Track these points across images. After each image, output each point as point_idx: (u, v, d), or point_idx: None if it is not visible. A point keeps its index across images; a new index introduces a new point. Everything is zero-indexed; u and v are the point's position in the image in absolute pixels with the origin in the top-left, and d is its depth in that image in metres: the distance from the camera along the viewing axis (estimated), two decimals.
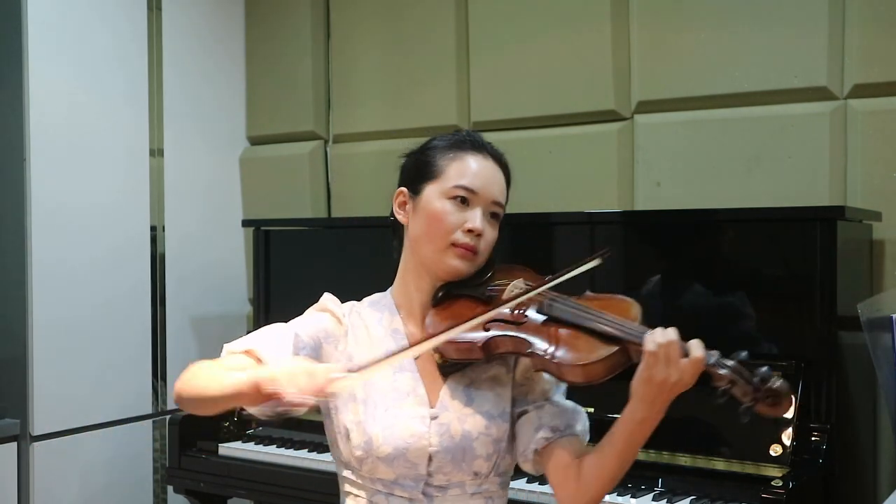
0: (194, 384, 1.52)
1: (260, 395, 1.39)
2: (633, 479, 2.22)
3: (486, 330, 1.57)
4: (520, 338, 1.55)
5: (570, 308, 1.56)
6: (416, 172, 1.67)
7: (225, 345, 1.63)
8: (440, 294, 1.65)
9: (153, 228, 3.34)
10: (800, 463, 2.13)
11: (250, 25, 3.69)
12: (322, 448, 2.64)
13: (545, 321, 1.57)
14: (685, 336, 1.45)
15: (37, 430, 2.96)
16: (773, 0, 2.67)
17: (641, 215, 2.75)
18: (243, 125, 3.71)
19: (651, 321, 1.51)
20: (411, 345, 1.57)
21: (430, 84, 3.26)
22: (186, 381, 1.54)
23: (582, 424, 1.62)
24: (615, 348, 1.48)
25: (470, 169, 1.64)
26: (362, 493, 1.60)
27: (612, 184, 2.90)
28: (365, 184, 3.35)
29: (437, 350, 1.60)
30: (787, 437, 2.15)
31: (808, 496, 2.07)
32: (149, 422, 3.31)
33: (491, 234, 1.65)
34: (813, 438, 2.17)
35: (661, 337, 1.42)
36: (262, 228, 3.19)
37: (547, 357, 1.51)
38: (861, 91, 2.57)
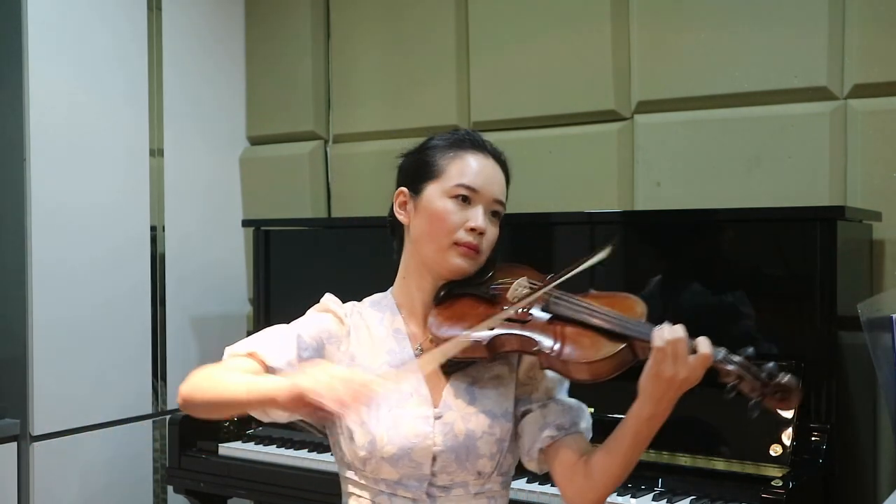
0: (208, 388, 1.51)
1: (300, 403, 1.39)
2: (633, 479, 2.22)
3: (491, 329, 1.57)
4: (526, 336, 1.55)
5: (575, 306, 1.56)
6: (416, 172, 1.67)
7: (227, 347, 1.62)
8: (442, 293, 1.65)
9: (153, 228, 3.34)
10: (800, 463, 2.13)
11: (250, 25, 3.69)
12: (322, 448, 2.64)
13: (550, 319, 1.56)
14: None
15: (37, 430, 2.96)
16: (773, 0, 2.67)
17: (641, 215, 2.76)
18: (243, 125, 3.71)
19: (652, 321, 1.50)
20: (440, 342, 1.57)
21: (430, 84, 3.26)
22: (197, 385, 1.53)
23: (586, 422, 1.63)
24: (622, 345, 1.48)
25: (471, 167, 1.64)
26: (365, 494, 1.60)
27: (612, 184, 2.90)
28: (365, 184, 3.36)
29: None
30: (787, 437, 2.15)
31: (808, 496, 2.07)
32: (149, 422, 3.31)
33: (492, 232, 1.65)
34: (813, 438, 2.17)
35: (670, 334, 1.42)
36: (262, 228, 3.19)
37: (553, 355, 1.51)
38: (861, 91, 2.57)
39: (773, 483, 2.01)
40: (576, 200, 2.90)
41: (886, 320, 2.04)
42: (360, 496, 1.61)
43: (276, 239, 3.17)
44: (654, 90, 2.86)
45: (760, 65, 2.68)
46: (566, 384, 1.65)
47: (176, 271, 3.40)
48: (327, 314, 1.67)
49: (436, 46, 3.25)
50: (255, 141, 3.71)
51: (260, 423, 2.86)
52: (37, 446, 2.96)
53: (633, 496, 2.18)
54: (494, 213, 1.65)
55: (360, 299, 1.73)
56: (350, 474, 1.62)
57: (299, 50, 3.54)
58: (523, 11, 3.07)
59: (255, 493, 2.82)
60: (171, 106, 3.40)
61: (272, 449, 2.76)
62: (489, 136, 1.74)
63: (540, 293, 1.57)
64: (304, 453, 2.68)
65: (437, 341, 1.60)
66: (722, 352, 1.43)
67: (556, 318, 1.56)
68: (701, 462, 2.23)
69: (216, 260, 3.57)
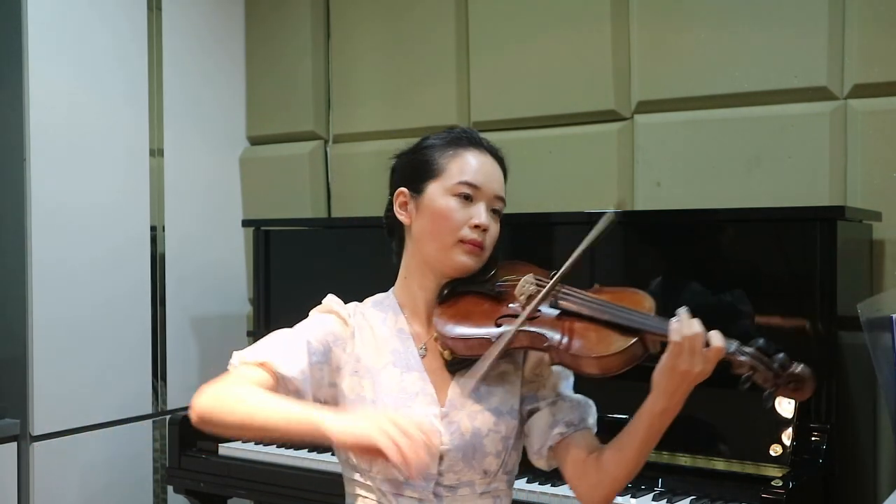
0: (232, 409, 1.48)
1: (366, 451, 1.39)
2: (633, 479, 2.18)
3: (498, 326, 1.57)
4: (535, 332, 1.54)
5: (583, 301, 1.56)
6: (416, 172, 1.67)
7: (235, 352, 1.60)
8: (445, 292, 1.65)
9: (153, 228, 3.34)
10: (800, 463, 2.13)
11: (250, 25, 3.69)
12: (322, 448, 2.64)
13: (559, 315, 1.56)
14: None
15: (37, 430, 2.96)
16: (773, 0, 2.67)
17: (641, 215, 2.75)
18: (243, 125, 3.71)
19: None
20: (446, 341, 1.58)
21: (430, 84, 3.26)
22: (216, 404, 1.50)
23: (593, 417, 1.64)
24: (633, 340, 1.48)
25: (471, 165, 1.64)
26: (372, 496, 1.60)
27: (612, 184, 2.90)
28: (365, 184, 3.35)
29: (446, 347, 1.60)
30: (787, 437, 2.15)
31: (808, 496, 2.07)
32: (149, 422, 3.31)
33: (495, 228, 1.65)
34: (813, 438, 2.17)
35: (688, 329, 1.43)
36: (262, 228, 3.19)
37: (564, 350, 1.51)
38: (861, 91, 2.57)
39: (773, 483, 2.01)
40: (576, 200, 2.90)
41: (886, 320, 2.04)
42: (366, 497, 1.61)
43: (276, 239, 3.17)
44: (654, 90, 2.86)
45: (760, 65, 2.68)
46: (571, 379, 1.66)
47: (176, 271, 3.40)
48: (331, 315, 1.67)
49: (436, 46, 3.25)
50: (255, 141, 3.71)
51: None
52: (37, 446, 2.96)
53: (633, 496, 2.18)
54: (495, 210, 1.66)
55: (360, 299, 1.73)
56: (356, 476, 1.62)
57: (299, 50, 3.54)
58: (523, 11, 3.07)
59: (255, 493, 2.81)
60: (171, 106, 3.40)
61: (272, 449, 2.76)
62: (489, 136, 1.74)
63: (551, 288, 1.57)
64: (304, 453, 2.68)
65: (442, 340, 1.60)
66: (734, 344, 1.45)
67: (565, 314, 1.56)
68: (701, 462, 2.24)
69: (216, 260, 3.57)
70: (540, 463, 1.63)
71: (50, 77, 2.99)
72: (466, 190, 1.62)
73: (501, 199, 1.67)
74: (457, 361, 1.61)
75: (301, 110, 3.55)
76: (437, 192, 1.63)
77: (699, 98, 2.78)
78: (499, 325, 1.57)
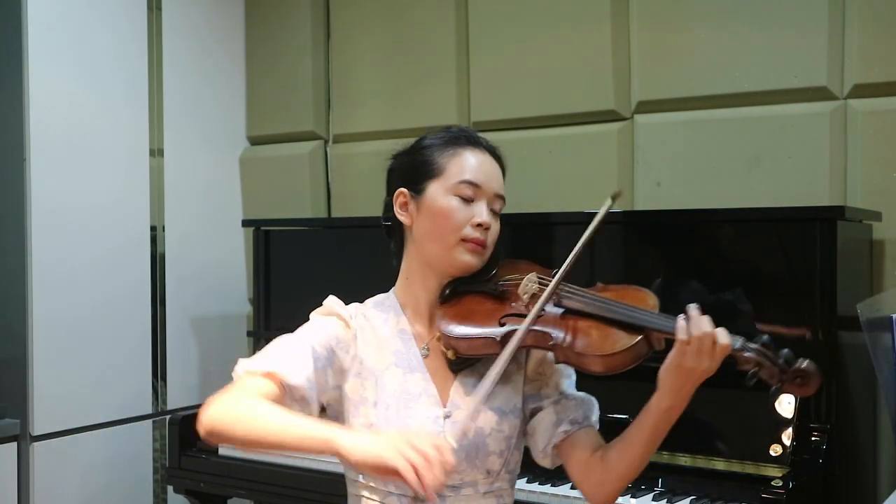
0: (242, 424, 1.47)
1: (381, 472, 1.37)
2: (634, 479, 2.22)
3: (502, 325, 1.57)
4: (540, 331, 1.54)
5: (587, 299, 1.56)
6: (415, 172, 1.67)
7: (240, 360, 1.59)
8: (447, 291, 1.65)
9: (153, 228, 3.34)
10: (800, 463, 2.13)
11: (250, 25, 3.69)
12: None
13: (563, 313, 1.56)
14: None
15: (37, 430, 2.96)
16: (773, 0, 2.67)
17: (641, 215, 2.75)
18: (243, 125, 3.71)
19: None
20: (450, 341, 1.57)
21: (430, 84, 3.26)
22: (225, 419, 1.48)
23: (595, 414, 1.64)
24: (638, 337, 1.49)
25: (470, 164, 1.64)
26: (375, 497, 1.60)
27: (612, 184, 2.90)
28: (365, 184, 3.35)
29: (449, 346, 1.60)
30: (787, 437, 2.15)
31: (808, 496, 2.07)
32: (149, 422, 3.31)
33: (496, 227, 1.66)
34: (813, 438, 2.17)
35: (696, 328, 1.43)
36: (262, 228, 3.19)
37: (569, 349, 1.51)
38: (861, 91, 2.57)
39: (773, 483, 2.01)
40: (576, 200, 2.89)
41: (886, 320, 2.04)
42: (370, 499, 1.61)
43: (276, 239, 3.17)
44: (654, 90, 2.86)
45: (760, 65, 2.68)
46: (573, 377, 1.66)
47: (176, 271, 3.40)
48: (332, 317, 1.66)
49: (436, 46, 3.25)
50: (255, 141, 3.71)
51: None
52: (37, 446, 2.96)
53: (633, 496, 2.18)
54: (495, 209, 1.66)
55: (360, 299, 1.73)
56: (360, 478, 1.62)
57: (299, 50, 3.54)
58: (523, 11, 3.07)
59: (255, 493, 2.82)
60: (171, 106, 3.40)
61: None
62: (489, 136, 1.74)
63: (556, 286, 1.57)
64: (303, 453, 2.67)
65: (445, 340, 1.60)
66: (739, 340, 1.45)
67: (569, 312, 1.56)
68: (701, 462, 2.23)
69: (216, 260, 3.57)
70: (544, 462, 1.64)
71: (50, 77, 2.99)
72: (467, 189, 1.62)
73: (501, 197, 1.67)
74: (460, 361, 1.61)
75: (301, 110, 3.55)
76: (437, 192, 1.63)
77: (699, 98, 2.78)
78: (502, 325, 1.57)
